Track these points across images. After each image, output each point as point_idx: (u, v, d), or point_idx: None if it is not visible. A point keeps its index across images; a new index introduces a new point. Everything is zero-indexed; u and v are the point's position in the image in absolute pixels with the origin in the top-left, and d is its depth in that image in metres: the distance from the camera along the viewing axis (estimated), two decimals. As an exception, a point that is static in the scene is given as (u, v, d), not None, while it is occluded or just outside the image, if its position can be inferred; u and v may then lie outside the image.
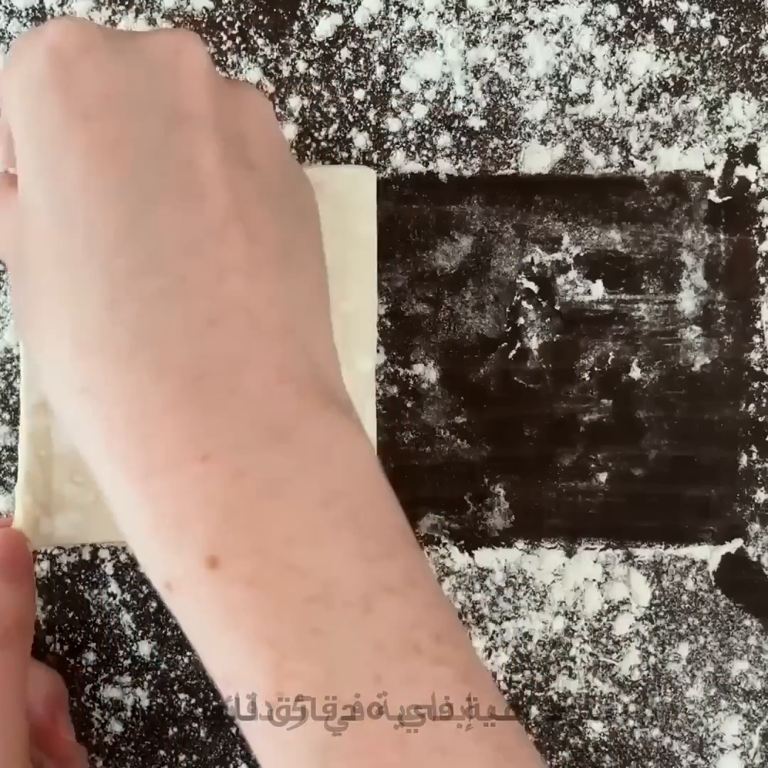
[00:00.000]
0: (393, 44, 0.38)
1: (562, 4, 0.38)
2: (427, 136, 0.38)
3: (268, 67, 0.38)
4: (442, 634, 0.24)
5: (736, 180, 0.39)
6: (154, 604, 0.38)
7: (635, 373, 0.39)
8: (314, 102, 0.38)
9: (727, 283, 0.39)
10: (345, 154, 0.38)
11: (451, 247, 0.38)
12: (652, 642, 0.39)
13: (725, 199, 0.39)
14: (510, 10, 0.38)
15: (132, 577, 0.38)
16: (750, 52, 0.38)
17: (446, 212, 0.38)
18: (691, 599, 0.39)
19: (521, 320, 0.39)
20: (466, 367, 0.39)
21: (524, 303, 0.39)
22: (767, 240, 0.39)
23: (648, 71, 0.38)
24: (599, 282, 0.39)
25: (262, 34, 0.38)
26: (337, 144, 0.38)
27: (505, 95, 0.38)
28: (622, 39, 0.38)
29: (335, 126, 0.38)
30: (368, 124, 0.38)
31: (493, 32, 0.38)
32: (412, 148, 0.38)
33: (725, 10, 0.38)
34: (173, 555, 0.24)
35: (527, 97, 0.38)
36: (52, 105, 0.26)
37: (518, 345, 0.39)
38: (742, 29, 0.38)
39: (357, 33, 0.38)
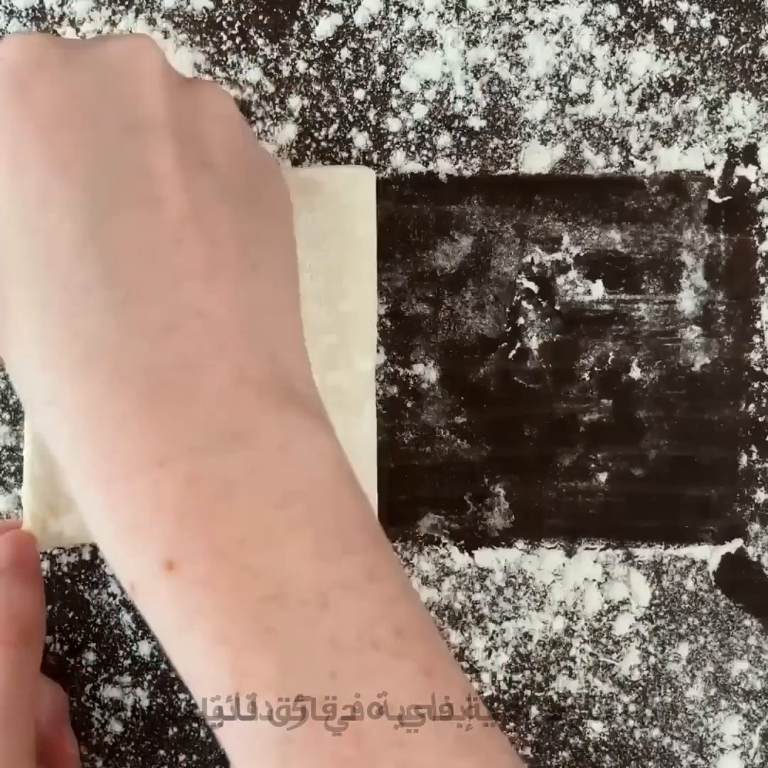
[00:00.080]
0: (393, 44, 0.38)
1: (562, 4, 0.38)
2: (427, 136, 0.38)
3: (268, 67, 0.38)
4: (405, 629, 0.25)
5: (736, 180, 0.39)
6: (154, 604, 0.38)
7: (635, 373, 0.39)
8: (314, 102, 0.38)
9: (727, 283, 0.39)
10: (345, 154, 0.38)
11: (451, 247, 0.38)
12: (652, 642, 0.39)
13: (725, 199, 0.39)
14: (510, 10, 0.38)
15: (132, 577, 0.38)
16: (750, 52, 0.38)
17: (446, 212, 0.38)
18: (691, 599, 0.39)
19: (521, 320, 0.39)
20: (466, 367, 0.39)
21: (524, 303, 0.39)
22: (767, 240, 0.39)
23: (648, 71, 0.38)
24: (599, 282, 0.39)
25: (262, 34, 0.38)
26: (337, 144, 0.38)
27: (505, 95, 0.38)
28: (622, 39, 0.38)
29: (335, 126, 0.38)
30: (368, 124, 0.38)
31: (493, 32, 0.38)
32: (412, 148, 0.38)
33: (725, 10, 0.38)
34: (134, 559, 0.24)
35: (527, 97, 0.38)
36: (10, 122, 0.27)
37: (518, 345, 0.39)
38: (742, 29, 0.38)
39: (357, 33, 0.38)
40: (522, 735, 0.39)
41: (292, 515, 0.25)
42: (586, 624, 0.39)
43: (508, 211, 0.38)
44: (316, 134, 0.38)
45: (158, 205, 0.26)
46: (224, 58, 0.38)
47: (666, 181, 0.39)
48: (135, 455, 0.24)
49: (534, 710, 0.39)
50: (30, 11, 0.38)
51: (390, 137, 0.38)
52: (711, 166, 0.39)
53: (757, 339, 0.39)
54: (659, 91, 0.38)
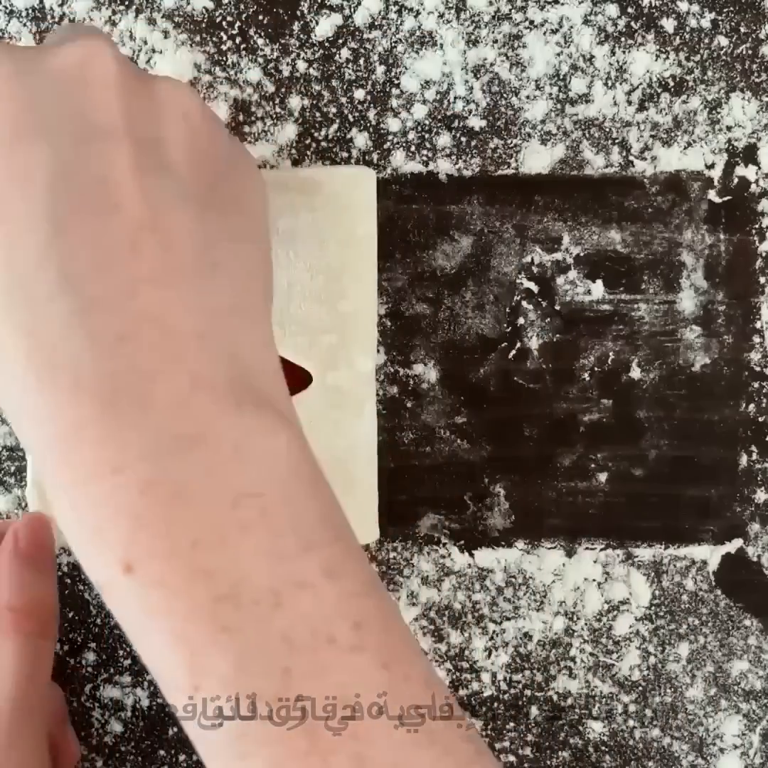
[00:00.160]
0: (393, 44, 0.38)
1: (562, 4, 0.38)
2: (427, 136, 0.38)
3: (268, 67, 0.38)
4: (364, 622, 0.25)
5: (736, 180, 0.39)
6: (154, 604, 0.38)
7: (635, 373, 0.39)
8: (314, 102, 0.38)
9: (727, 283, 0.39)
10: (345, 154, 0.38)
11: (451, 247, 0.38)
12: (652, 642, 0.39)
13: (725, 199, 0.39)
14: (510, 10, 0.38)
15: (132, 577, 0.38)
16: (750, 52, 0.38)
17: (446, 212, 0.38)
18: (691, 599, 0.39)
19: (521, 320, 0.39)
20: (466, 367, 0.39)
21: (524, 303, 0.39)
22: (767, 240, 0.39)
23: (648, 71, 0.38)
24: (599, 282, 0.39)
25: (262, 34, 0.38)
26: (337, 144, 0.38)
27: (505, 95, 0.38)
28: (622, 39, 0.38)
29: (335, 126, 0.38)
30: (368, 124, 0.38)
31: (493, 32, 0.38)
32: (412, 148, 0.38)
33: (725, 10, 0.38)
34: (96, 561, 0.25)
35: (527, 97, 0.38)
36: None
37: (518, 345, 0.39)
38: (742, 29, 0.38)
39: (357, 33, 0.38)
40: (522, 735, 0.39)
41: (246, 515, 0.25)
42: (586, 624, 0.39)
43: (508, 211, 0.38)
44: (316, 134, 0.38)
45: (115, 212, 0.26)
46: (224, 58, 0.38)
47: (666, 181, 0.39)
48: (92, 463, 0.25)
49: (534, 710, 0.39)
50: (30, 11, 0.38)
51: (390, 137, 0.38)
52: (711, 166, 0.39)
53: (757, 339, 0.39)
54: (659, 91, 0.38)
